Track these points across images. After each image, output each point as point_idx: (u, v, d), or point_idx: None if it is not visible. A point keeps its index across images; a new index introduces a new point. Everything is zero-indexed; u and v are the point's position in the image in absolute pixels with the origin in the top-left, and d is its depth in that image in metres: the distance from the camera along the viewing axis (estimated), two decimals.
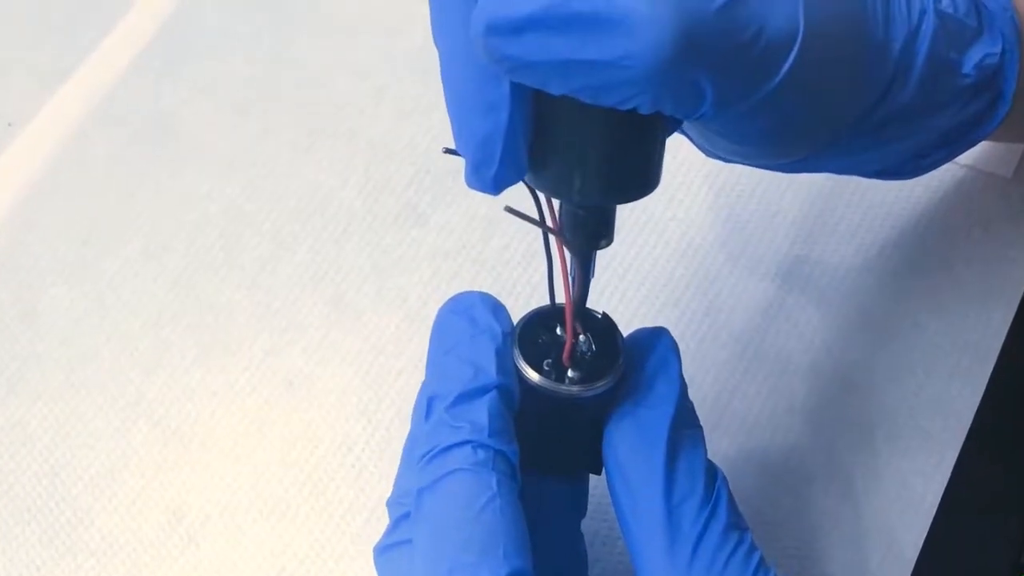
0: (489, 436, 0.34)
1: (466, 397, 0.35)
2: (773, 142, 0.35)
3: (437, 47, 0.32)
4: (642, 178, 0.34)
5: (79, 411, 0.51)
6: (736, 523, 0.35)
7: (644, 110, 0.30)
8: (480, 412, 0.35)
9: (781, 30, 0.31)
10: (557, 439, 0.38)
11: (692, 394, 0.38)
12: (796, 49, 0.31)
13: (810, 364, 0.47)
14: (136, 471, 0.49)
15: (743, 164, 0.39)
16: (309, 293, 0.53)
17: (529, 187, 0.35)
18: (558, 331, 0.37)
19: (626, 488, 0.35)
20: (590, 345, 0.37)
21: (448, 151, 0.34)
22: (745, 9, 0.30)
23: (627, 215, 0.52)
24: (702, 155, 0.53)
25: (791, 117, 0.33)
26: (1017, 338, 0.47)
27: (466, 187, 0.54)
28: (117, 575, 0.46)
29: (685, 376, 0.38)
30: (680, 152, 0.53)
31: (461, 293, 0.38)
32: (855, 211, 0.51)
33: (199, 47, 0.62)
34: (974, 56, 0.38)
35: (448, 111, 0.33)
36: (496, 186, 0.33)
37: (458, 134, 0.33)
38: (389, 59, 0.59)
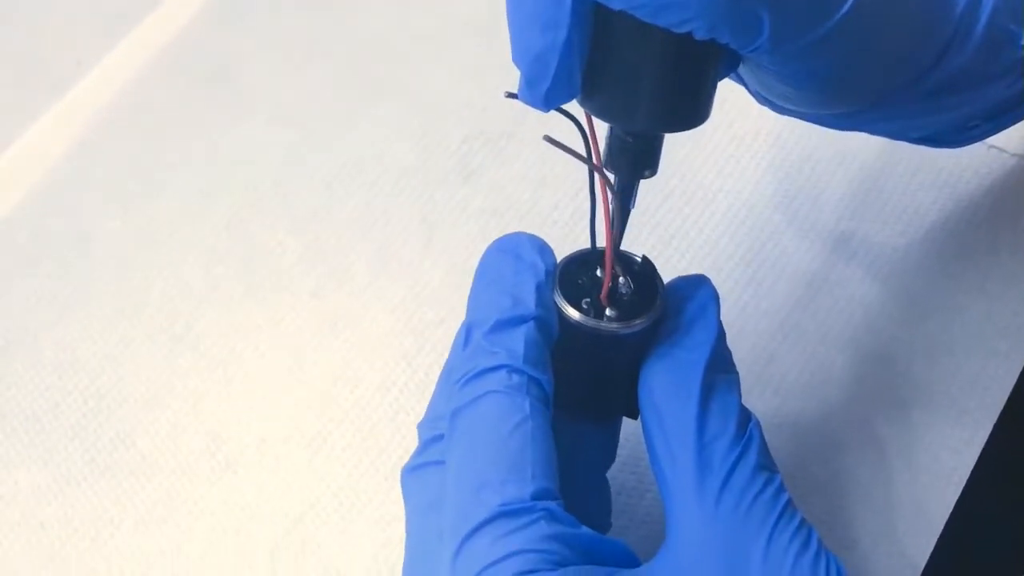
0: (524, 363, 0.35)
1: (504, 325, 0.36)
2: (826, 87, 0.35)
3: None
4: (691, 109, 0.34)
5: (128, 338, 0.52)
6: (766, 464, 0.35)
7: (699, 35, 0.31)
8: (517, 340, 0.35)
9: None
10: (593, 380, 0.38)
11: None
12: None
13: (849, 337, 0.48)
14: (179, 398, 0.50)
15: (792, 114, 0.39)
16: (358, 240, 0.54)
17: (574, 121, 0.35)
18: (598, 273, 0.38)
19: (659, 426, 0.36)
20: (629, 286, 0.37)
21: (509, 95, 0.34)
22: None
23: (676, 183, 0.53)
24: (754, 130, 0.54)
25: (846, 62, 0.34)
26: None
27: (518, 149, 0.56)
28: (156, 495, 0.47)
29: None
30: (732, 128, 0.54)
31: (510, 233, 0.39)
32: (903, 192, 0.51)
33: (262, 1, 0.63)
34: None
35: (508, 25, 0.33)
36: (547, 102, 0.33)
37: (515, 48, 0.33)
38: (448, 21, 0.60)
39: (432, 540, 0.35)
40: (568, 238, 0.52)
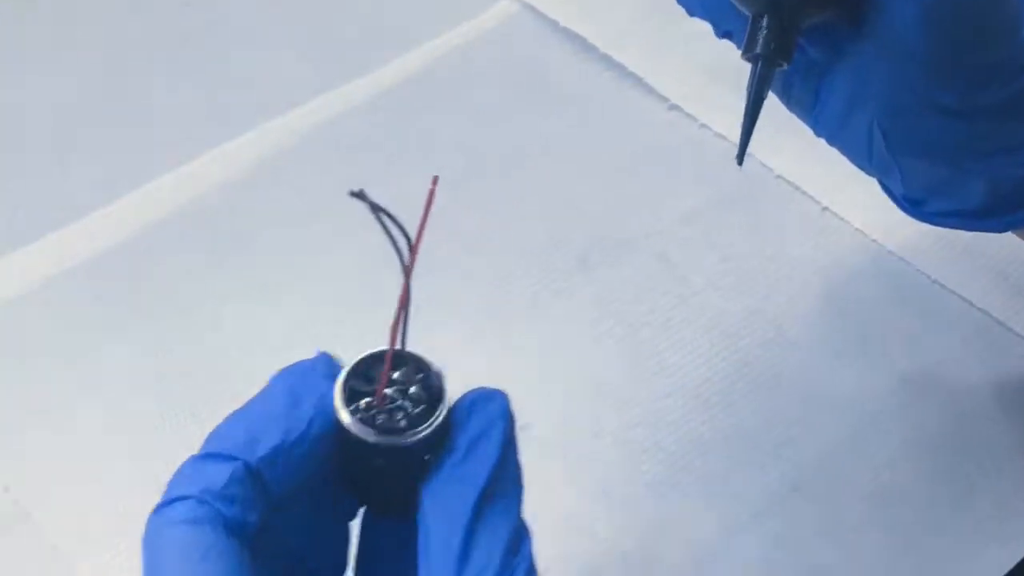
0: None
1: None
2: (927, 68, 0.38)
3: None
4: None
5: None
6: None
7: None
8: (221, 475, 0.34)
9: None
10: (379, 483, 0.36)
11: None
12: None
13: None
14: None
15: (933, 218, 0.45)
16: None
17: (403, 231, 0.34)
18: (395, 375, 0.35)
19: (425, 552, 0.34)
20: (407, 395, 0.35)
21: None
22: None
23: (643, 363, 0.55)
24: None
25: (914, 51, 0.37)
26: None
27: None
28: None
29: None
30: None
31: (300, 363, 0.37)
32: None
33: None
34: None
35: None
36: None
37: None
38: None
39: None
40: None
